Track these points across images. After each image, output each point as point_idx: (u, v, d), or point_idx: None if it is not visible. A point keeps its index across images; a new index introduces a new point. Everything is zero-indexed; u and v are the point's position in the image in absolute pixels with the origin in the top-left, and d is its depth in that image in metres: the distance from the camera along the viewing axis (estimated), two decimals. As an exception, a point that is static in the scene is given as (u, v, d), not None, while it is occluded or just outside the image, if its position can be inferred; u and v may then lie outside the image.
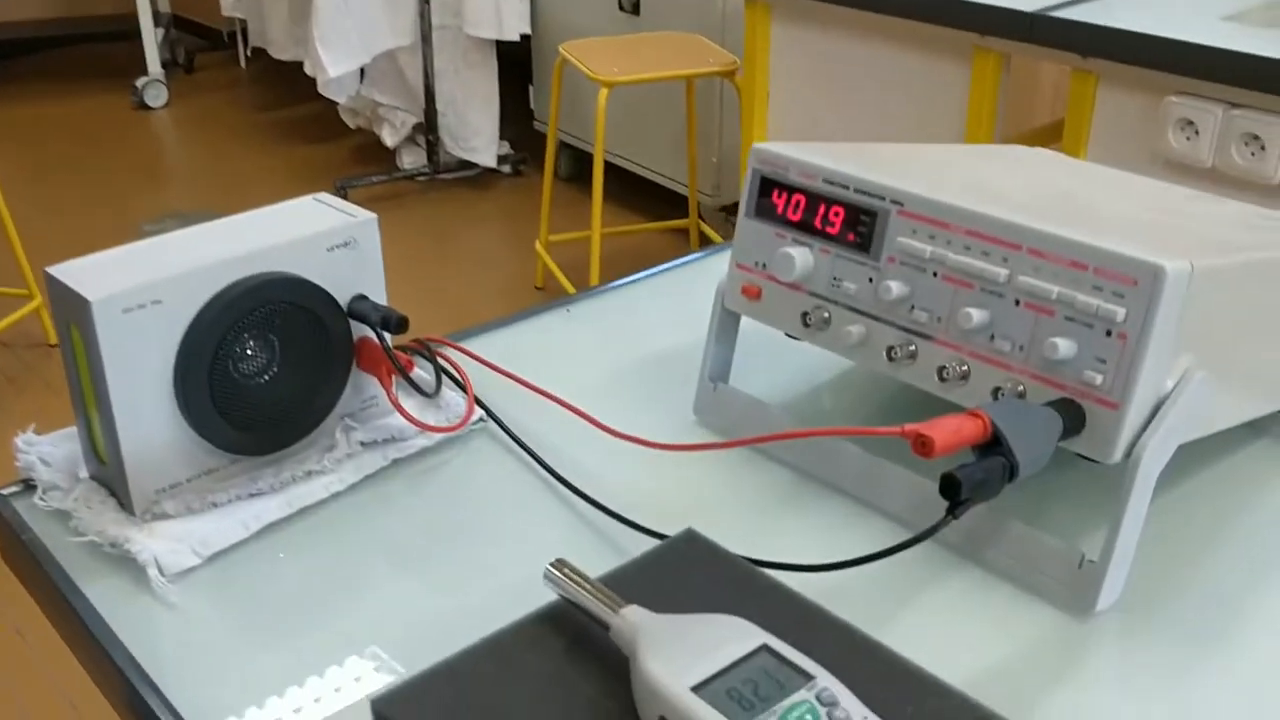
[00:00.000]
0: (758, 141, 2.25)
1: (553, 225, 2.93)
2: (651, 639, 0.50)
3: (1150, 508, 0.62)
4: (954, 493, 0.55)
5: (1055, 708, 0.58)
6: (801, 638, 0.54)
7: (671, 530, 0.67)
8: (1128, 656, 0.61)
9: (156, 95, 4.28)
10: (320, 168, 3.75)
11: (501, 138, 3.53)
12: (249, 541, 0.70)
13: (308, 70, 3.38)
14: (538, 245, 2.92)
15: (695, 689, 0.48)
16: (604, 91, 2.52)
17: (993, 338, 0.64)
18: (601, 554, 0.68)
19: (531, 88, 3.56)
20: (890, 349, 0.68)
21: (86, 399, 0.69)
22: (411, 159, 3.61)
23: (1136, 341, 0.59)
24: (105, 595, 0.66)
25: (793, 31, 2.05)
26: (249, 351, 0.71)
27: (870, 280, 0.69)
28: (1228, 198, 0.85)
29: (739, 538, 0.68)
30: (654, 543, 0.66)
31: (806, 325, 0.72)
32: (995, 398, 0.64)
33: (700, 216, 3.02)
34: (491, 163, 3.53)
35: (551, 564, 0.56)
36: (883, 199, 0.68)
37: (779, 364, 0.87)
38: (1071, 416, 0.60)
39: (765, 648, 0.50)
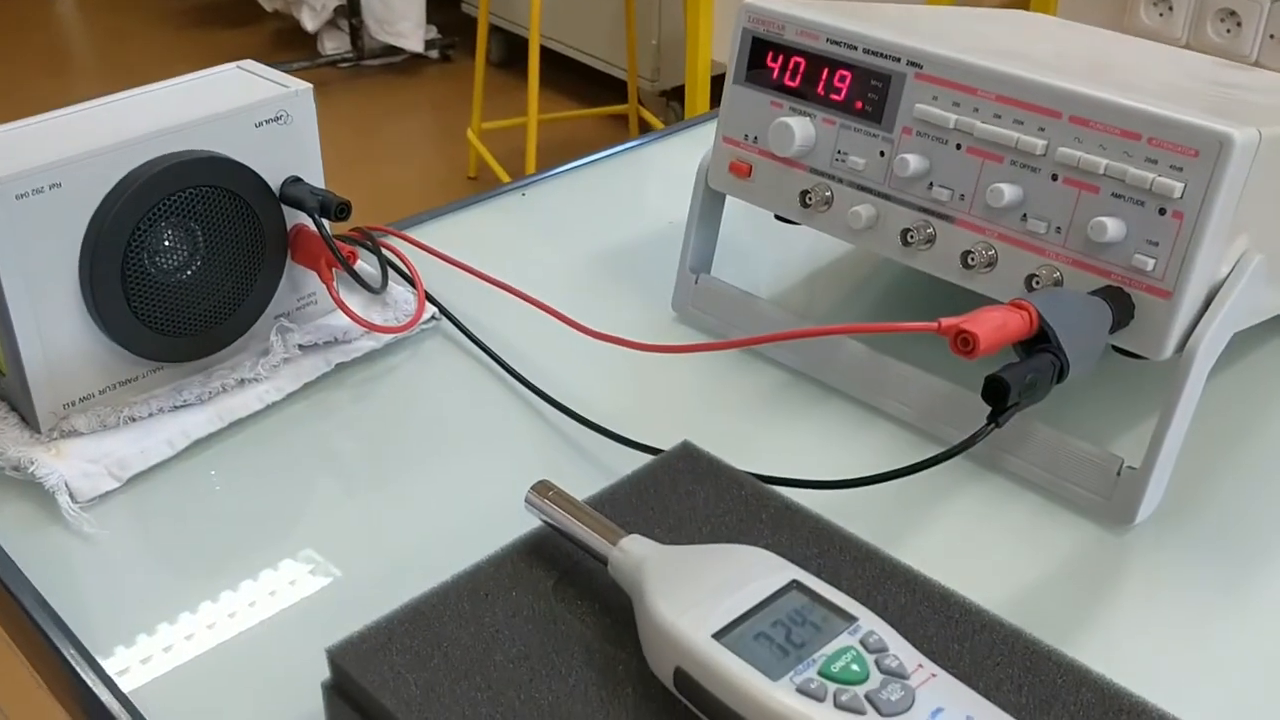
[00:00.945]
0: (704, 20, 2.12)
1: (485, 113, 2.80)
2: (660, 575, 0.43)
3: (1190, 407, 0.56)
4: (1000, 397, 0.48)
5: (1092, 631, 0.51)
6: (826, 567, 0.47)
7: (657, 443, 0.59)
8: (1170, 572, 0.55)
9: (57, -24, 4.02)
10: (235, 54, 3.52)
11: (429, 21, 3.37)
12: (174, 461, 0.61)
13: (219, -52, 3.18)
14: (470, 134, 2.80)
15: (717, 635, 0.40)
16: (539, -32, 2.38)
17: (1026, 218, 0.56)
18: (583, 472, 0.60)
19: (459, -33, 3.39)
20: (906, 232, 0.60)
21: (-25, 300, 0.59)
22: (334, 44, 3.43)
23: (1195, 221, 0.52)
24: (7, 526, 0.57)
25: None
26: (167, 243, 0.61)
27: (882, 154, 0.60)
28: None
29: (734, 450, 0.60)
30: (642, 458, 0.58)
31: (805, 206, 0.64)
32: (1029, 287, 0.56)
33: (640, 102, 2.91)
34: (419, 48, 3.37)
35: (534, 487, 0.48)
36: (898, 61, 0.59)
37: (754, 255, 0.79)
38: (1119, 307, 0.53)
39: (796, 584, 0.42)
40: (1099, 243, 0.54)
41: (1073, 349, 0.50)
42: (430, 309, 0.71)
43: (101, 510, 0.58)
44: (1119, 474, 0.57)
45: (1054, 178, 0.55)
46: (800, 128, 0.62)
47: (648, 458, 0.54)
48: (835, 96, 0.61)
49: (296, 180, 0.65)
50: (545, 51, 2.82)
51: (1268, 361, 0.69)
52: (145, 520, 0.58)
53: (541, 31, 2.62)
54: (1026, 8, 1.67)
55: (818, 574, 0.46)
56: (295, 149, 0.65)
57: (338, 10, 3.39)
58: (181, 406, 0.63)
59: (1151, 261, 0.53)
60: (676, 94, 2.94)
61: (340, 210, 0.64)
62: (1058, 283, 0.56)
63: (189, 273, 0.62)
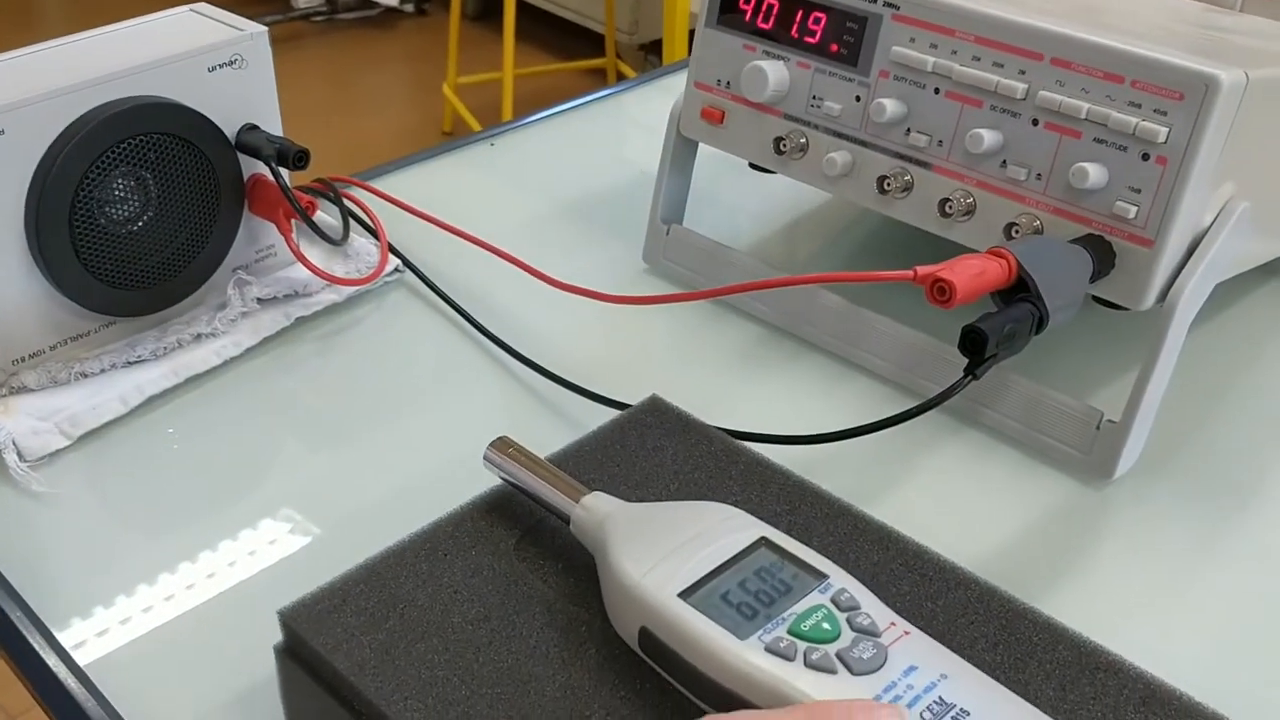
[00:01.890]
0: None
1: (461, 67, 2.76)
2: (623, 533, 0.41)
3: (1172, 359, 0.54)
4: (978, 348, 0.46)
5: (1070, 585, 0.50)
6: (796, 524, 0.46)
7: (626, 397, 0.58)
8: (1149, 526, 0.53)
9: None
10: (206, 7, 3.49)
11: (403, -26, 3.32)
12: (129, 418, 0.59)
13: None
14: (445, 88, 2.76)
15: (683, 594, 0.39)
16: (514, -82, 2.34)
17: (1005, 164, 0.55)
18: (549, 427, 0.58)
19: (433, -81, 3.34)
20: (882, 179, 0.58)
21: (-84, 252, 0.57)
22: (307, -3, 3.38)
23: (1178, 167, 0.50)
24: (-48, 487, 0.55)
25: None
26: (118, 193, 0.59)
27: (858, 99, 0.59)
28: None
29: (706, 405, 0.59)
30: (609, 413, 0.56)
31: (780, 153, 0.62)
32: (1009, 236, 0.55)
33: (618, 56, 2.87)
34: (393, 1, 3.32)
35: (493, 444, 0.46)
36: (874, 1, 0.57)
37: (728, 203, 0.77)
38: (1100, 256, 0.52)
39: (765, 541, 0.41)
40: (1080, 189, 0.52)
41: (1052, 299, 0.48)
42: (393, 261, 0.69)
43: (52, 470, 0.56)
44: (1099, 428, 0.55)
45: (1035, 122, 0.54)
46: (774, 71, 0.60)
47: (616, 413, 0.53)
48: (810, 39, 0.59)
49: (253, 128, 0.63)
50: (521, 4, 2.78)
51: (1252, 313, 0.67)
52: (99, 479, 0.56)
53: (517, -17, 2.57)
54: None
55: (788, 531, 0.45)
56: (251, 95, 0.62)
57: (311, -38, 3.34)
58: (135, 362, 0.61)
59: (1134, 209, 0.51)
60: (655, 48, 2.90)
61: (298, 158, 0.62)
62: (1038, 231, 0.54)
63: (141, 223, 0.60)
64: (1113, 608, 0.49)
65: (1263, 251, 0.60)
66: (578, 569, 0.44)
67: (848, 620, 0.38)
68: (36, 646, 0.48)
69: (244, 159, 0.63)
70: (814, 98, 0.60)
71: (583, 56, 2.98)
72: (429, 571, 0.43)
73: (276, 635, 0.42)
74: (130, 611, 0.49)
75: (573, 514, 0.43)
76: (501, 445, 0.46)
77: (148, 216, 0.60)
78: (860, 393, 0.61)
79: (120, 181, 0.59)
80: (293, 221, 0.64)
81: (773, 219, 0.75)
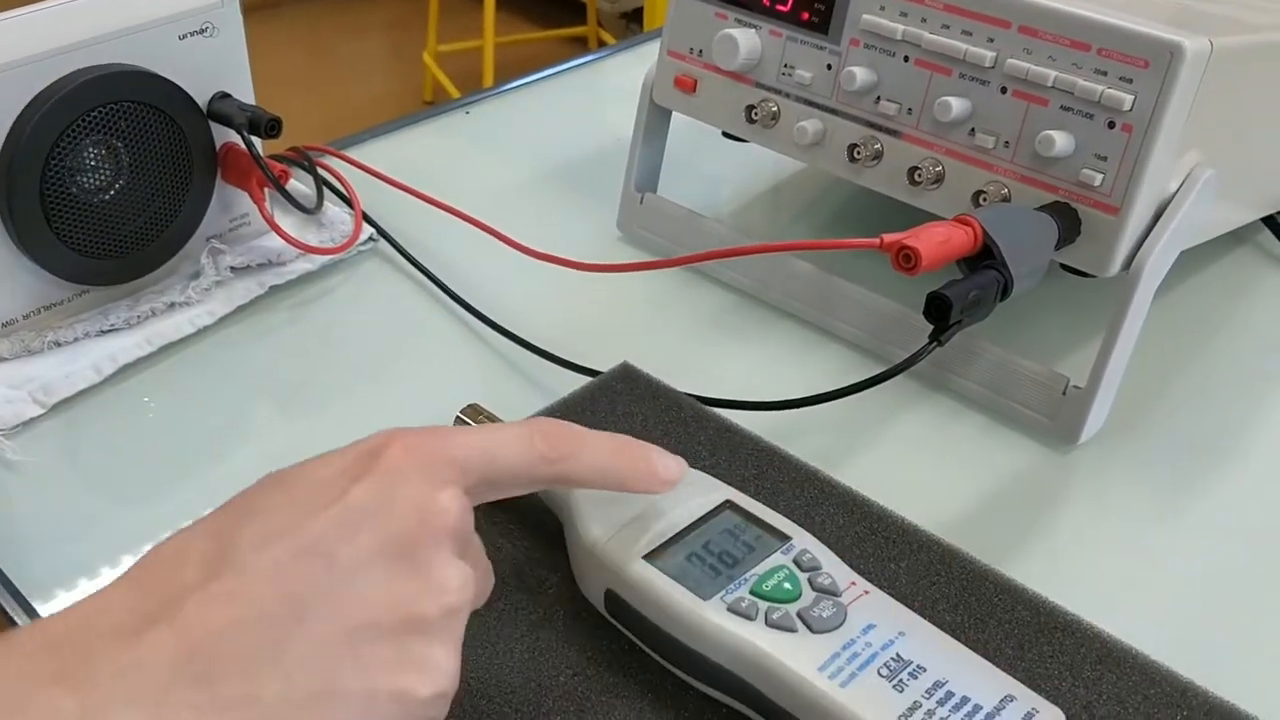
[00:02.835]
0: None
1: (441, 35, 2.75)
2: (590, 498, 0.42)
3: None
4: (943, 315, 0.47)
5: (1035, 548, 0.51)
6: (763, 488, 0.46)
7: (600, 365, 0.58)
8: (1112, 490, 0.54)
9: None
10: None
11: (383, -59, 3.29)
12: (104, 388, 0.59)
13: None
14: (426, 56, 2.74)
15: (648, 557, 0.39)
16: (494, -115, 2.33)
17: (974, 132, 0.55)
18: (521, 394, 0.59)
19: (414, -115, 3.30)
20: (852, 148, 0.58)
21: (-113, 220, 0.57)
22: (286, -36, 3.34)
23: (1144, 134, 0.51)
24: (-74, 455, 0.55)
25: None
26: (90, 162, 0.59)
27: (829, 67, 0.59)
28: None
29: (679, 372, 0.59)
30: (582, 380, 0.57)
31: (751, 121, 0.62)
32: (976, 203, 0.55)
33: (599, 24, 2.86)
34: (373, -32, 3.29)
35: (462, 411, 0.47)
36: (844, -31, 0.57)
37: (704, 172, 0.77)
38: (1066, 223, 0.52)
39: (729, 504, 0.42)
40: (1047, 157, 0.53)
41: (1017, 265, 0.49)
42: (367, 230, 0.69)
43: (27, 438, 0.56)
44: (1064, 393, 0.56)
45: (1003, 90, 0.54)
46: (745, 40, 0.60)
47: (588, 379, 0.53)
48: (781, 6, 0.60)
49: (225, 96, 0.63)
50: (502, -28, 2.76)
51: (1216, 281, 0.68)
52: (75, 448, 0.56)
53: (498, -49, 2.56)
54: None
55: (755, 495, 0.46)
56: (222, 63, 0.62)
57: (290, -71, 3.31)
58: (109, 331, 0.61)
59: (1099, 176, 0.52)
60: (636, 16, 2.89)
61: (270, 127, 0.62)
62: (1005, 199, 0.54)
63: (113, 192, 0.60)
64: (1075, 570, 0.50)
65: (1228, 219, 0.61)
66: (546, 533, 0.44)
67: (809, 580, 0.39)
68: (12, 614, 0.48)
69: (216, 127, 0.63)
70: (785, 66, 0.60)
71: (564, 24, 2.97)
72: (399, 536, 0.44)
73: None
74: (108, 579, 0.49)
75: (541, 479, 0.44)
76: (471, 412, 0.47)
77: (120, 185, 0.60)
78: (831, 359, 0.62)
79: (91, 150, 0.59)
80: (266, 190, 0.64)
81: (747, 187, 0.76)
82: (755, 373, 0.61)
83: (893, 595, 0.40)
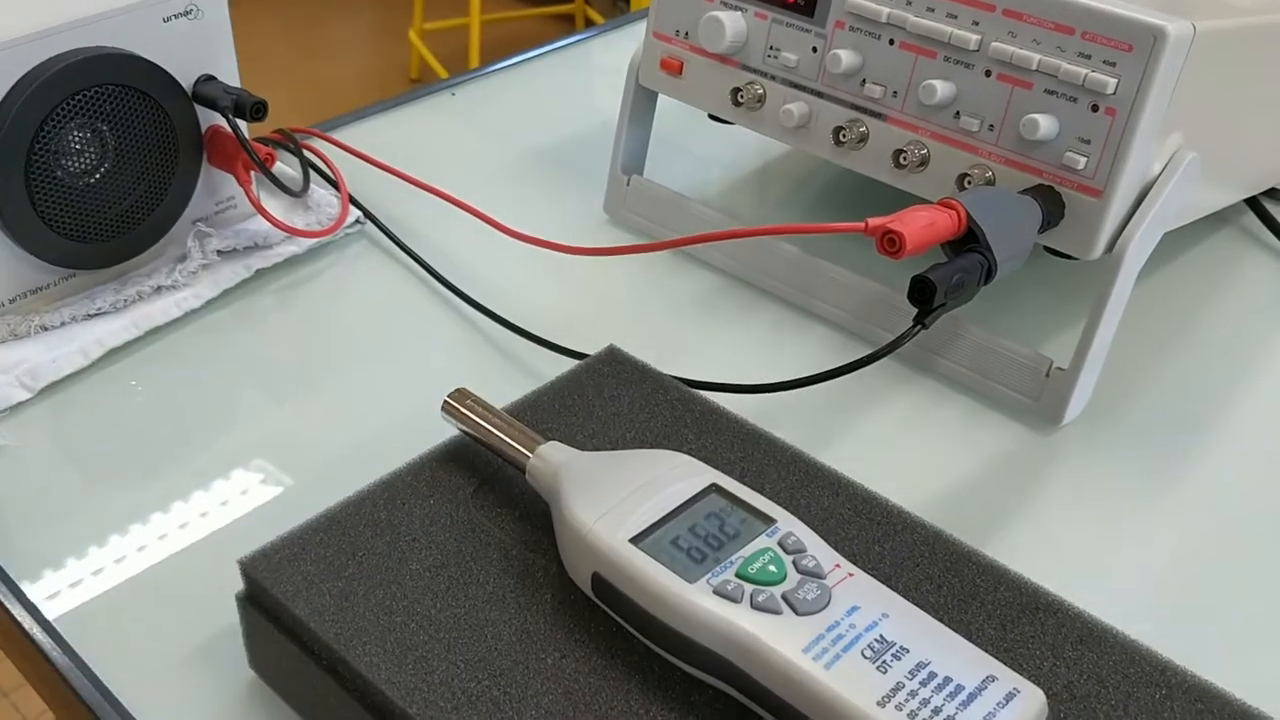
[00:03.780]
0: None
1: (427, 13, 2.73)
2: (576, 482, 0.42)
3: (1117, 307, 0.55)
4: (926, 298, 0.47)
5: (1018, 529, 0.51)
6: (749, 471, 0.47)
7: (586, 347, 0.58)
8: (1096, 472, 0.55)
9: None
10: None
11: (368, -83, 3.27)
12: (91, 372, 0.59)
13: None
14: (411, 34, 2.73)
15: (634, 540, 0.40)
16: None
17: (958, 115, 0.55)
18: (507, 377, 0.59)
19: None
20: (838, 130, 0.58)
21: None
22: (270, -59, 3.32)
23: (1127, 118, 0.51)
24: (-86, 440, 0.55)
25: None
26: (74, 145, 0.59)
27: (814, 50, 0.59)
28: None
29: (664, 354, 0.59)
30: (568, 363, 0.57)
31: (737, 104, 0.62)
32: (961, 186, 0.55)
33: (586, 1, 2.85)
34: (358, -55, 3.27)
35: (450, 395, 0.47)
36: (829, -48, 0.57)
37: (691, 155, 0.77)
38: (1049, 206, 0.52)
39: (715, 487, 0.42)
40: (1031, 140, 0.53)
41: (1001, 249, 0.49)
42: (354, 212, 0.69)
43: (15, 422, 0.57)
44: (1048, 375, 0.56)
45: (987, 74, 0.54)
46: (731, 22, 0.60)
47: (574, 362, 0.53)
48: (766, -11, 0.60)
49: (209, 79, 0.63)
50: (488, -51, 2.75)
51: (1199, 263, 0.69)
52: (63, 432, 0.56)
53: (484, -72, 2.55)
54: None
55: (741, 478, 0.46)
56: (207, 45, 0.62)
57: (274, -94, 3.28)
58: (96, 315, 0.61)
59: (1083, 159, 0.52)
60: (623, -6, 2.88)
61: (256, 110, 0.62)
62: (990, 182, 0.55)
63: (98, 176, 0.60)
64: (1059, 551, 0.51)
65: (1211, 201, 0.61)
66: (533, 517, 0.45)
67: (794, 563, 0.39)
68: (3, 598, 0.48)
69: (201, 110, 0.63)
70: (771, 48, 0.60)
71: (551, 2, 2.96)
72: (387, 520, 0.44)
73: (239, 584, 0.43)
74: (101, 563, 0.50)
75: (528, 463, 0.44)
76: (459, 396, 0.47)
77: (105, 169, 0.60)
78: (816, 342, 0.62)
79: (76, 134, 0.59)
80: (252, 173, 0.64)
81: (734, 169, 0.76)
82: (741, 355, 0.61)
83: (877, 577, 0.41)
